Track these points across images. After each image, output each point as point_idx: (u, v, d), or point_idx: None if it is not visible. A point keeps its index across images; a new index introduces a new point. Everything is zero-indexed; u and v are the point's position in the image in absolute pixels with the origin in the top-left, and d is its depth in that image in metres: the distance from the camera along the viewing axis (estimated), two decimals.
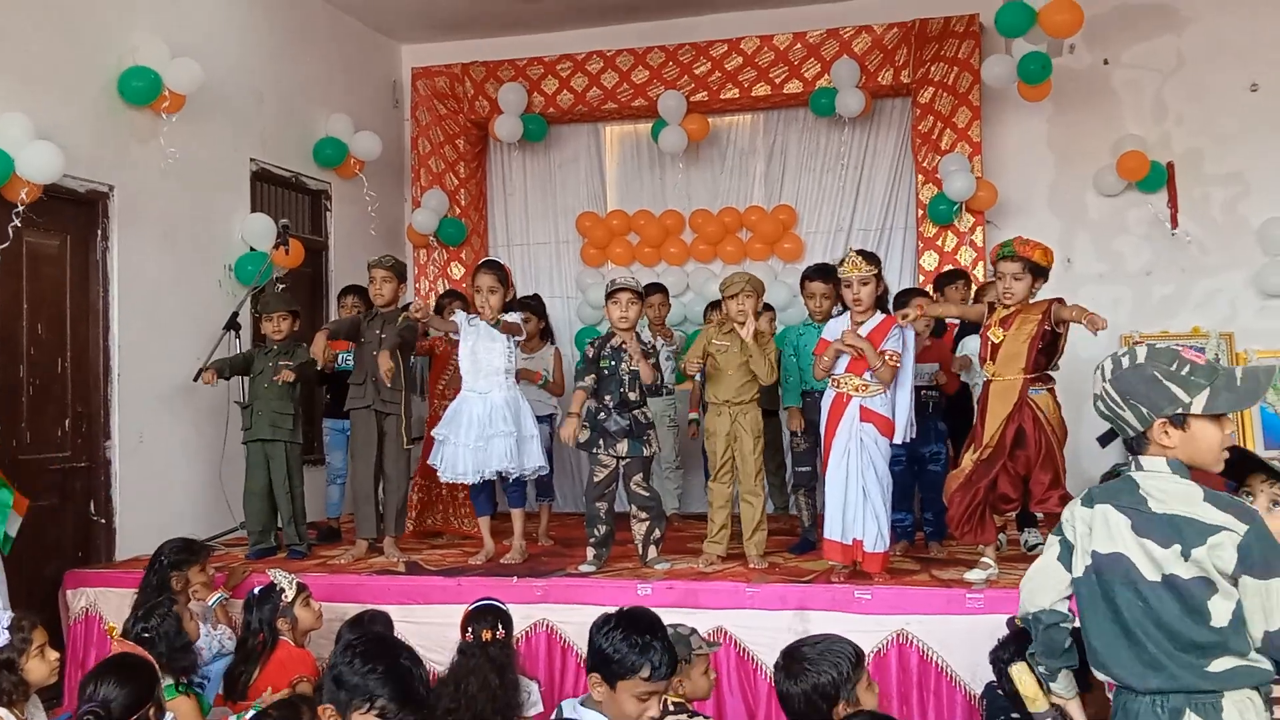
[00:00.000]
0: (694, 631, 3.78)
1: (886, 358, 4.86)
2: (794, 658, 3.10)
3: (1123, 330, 7.54)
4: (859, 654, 3.10)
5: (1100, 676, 2.61)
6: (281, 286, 6.72)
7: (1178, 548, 2.43)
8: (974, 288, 7.01)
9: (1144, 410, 2.50)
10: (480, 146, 8.74)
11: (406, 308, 5.78)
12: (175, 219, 6.39)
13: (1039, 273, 4.76)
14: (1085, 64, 7.74)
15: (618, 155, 8.65)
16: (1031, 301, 4.80)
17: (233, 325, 6.38)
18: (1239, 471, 2.91)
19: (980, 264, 7.56)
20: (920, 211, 7.72)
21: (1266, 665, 2.43)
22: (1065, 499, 4.68)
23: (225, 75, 6.78)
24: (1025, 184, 7.81)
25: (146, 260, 6.16)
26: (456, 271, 8.48)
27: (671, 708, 3.39)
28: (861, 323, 4.98)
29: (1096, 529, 2.57)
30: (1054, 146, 7.81)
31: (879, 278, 5.03)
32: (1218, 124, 7.49)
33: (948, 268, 7.42)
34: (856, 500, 4.82)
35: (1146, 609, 2.45)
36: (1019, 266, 4.75)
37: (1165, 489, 2.50)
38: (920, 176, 7.72)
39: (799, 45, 7.91)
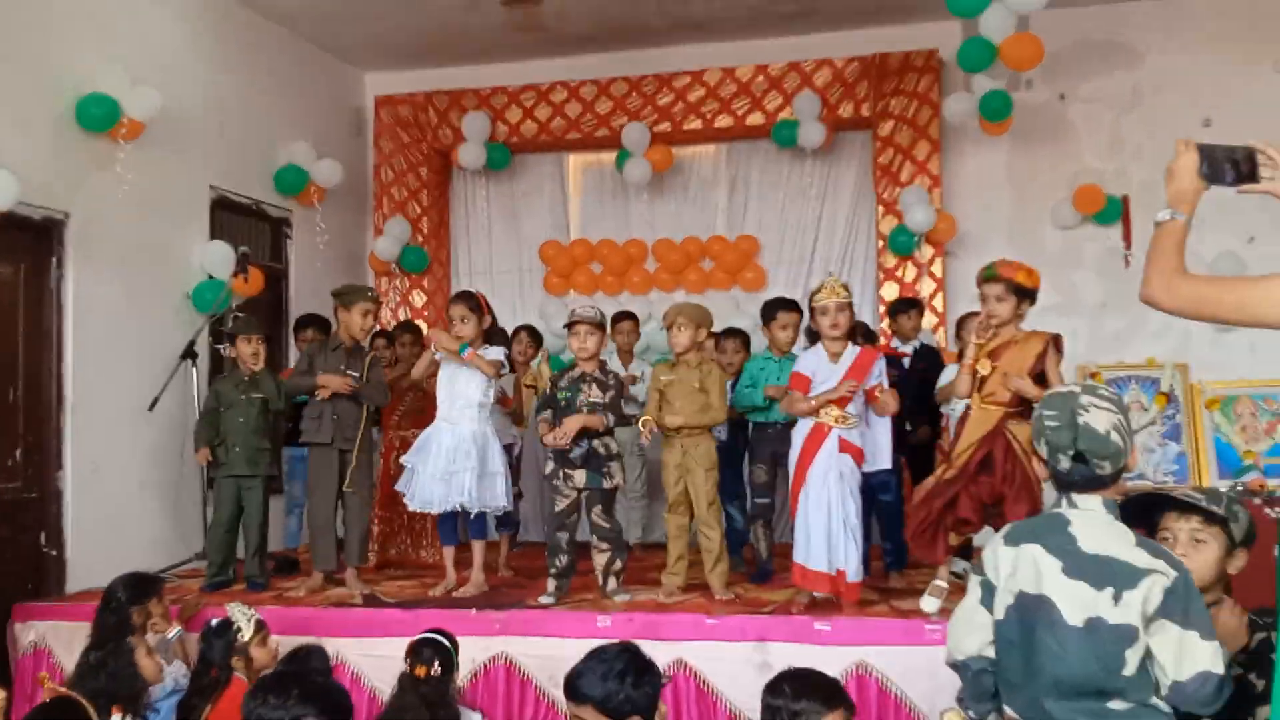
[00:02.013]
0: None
1: (879, 390, 4.92)
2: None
3: (1079, 360, 7.64)
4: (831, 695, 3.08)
5: (1006, 706, 2.58)
6: (238, 316, 6.66)
7: (1110, 590, 2.41)
8: (924, 315, 7.09)
9: (1128, 446, 2.53)
10: (443, 175, 8.74)
11: (373, 342, 5.76)
12: (132, 246, 6.32)
13: (1023, 294, 4.69)
14: (1043, 98, 7.87)
15: (581, 184, 8.68)
16: (1023, 330, 4.76)
17: (190, 354, 6.33)
18: (1149, 514, 2.90)
19: (940, 294, 7.64)
20: (881, 243, 7.78)
21: (1167, 710, 2.40)
22: None
23: (185, 102, 6.74)
24: (984, 216, 7.90)
25: (102, 287, 6.09)
26: (418, 300, 8.46)
27: None
28: (838, 352, 4.99)
29: (1022, 569, 2.51)
30: (1012, 179, 7.92)
31: (851, 308, 5.05)
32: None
33: (901, 297, 7.49)
34: (839, 530, 4.82)
35: (1059, 654, 2.41)
36: (1001, 288, 4.71)
37: (1098, 530, 2.50)
38: (881, 208, 7.79)
39: (761, 77, 7.98)
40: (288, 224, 7.89)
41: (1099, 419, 2.52)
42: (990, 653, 2.59)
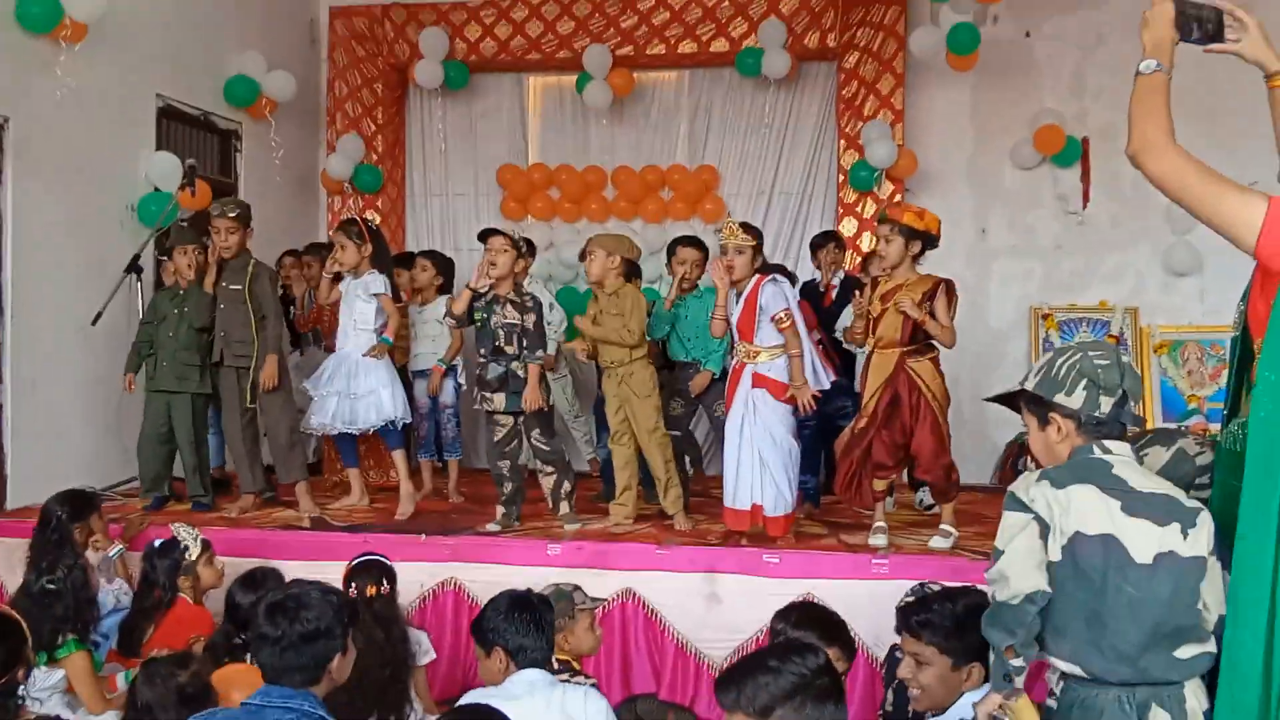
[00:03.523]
0: (577, 588, 3.77)
1: (777, 321, 4.83)
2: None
3: (1033, 302, 7.71)
4: None
5: (1061, 666, 2.49)
6: (180, 224, 6.49)
7: (1177, 525, 2.40)
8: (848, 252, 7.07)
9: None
10: (400, 92, 8.52)
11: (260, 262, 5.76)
12: (74, 154, 6.10)
13: (914, 236, 4.72)
14: (1009, 35, 7.80)
15: (541, 107, 8.49)
16: (918, 274, 4.79)
17: (134, 268, 6.15)
18: None
19: None
20: (841, 177, 7.72)
21: (1214, 649, 2.42)
22: (950, 468, 4.76)
23: (132, 4, 6.47)
24: (945, 154, 7.87)
25: (43, 196, 5.88)
26: (372, 220, 8.27)
27: (557, 666, 3.38)
28: (740, 292, 4.94)
29: (1075, 509, 2.42)
30: (975, 118, 7.89)
31: (757, 249, 4.96)
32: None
33: (868, 239, 7.48)
34: (752, 467, 4.83)
35: (1131, 595, 2.36)
36: (888, 228, 4.77)
37: (1136, 472, 2.50)
38: (842, 142, 7.71)
39: (726, 3, 7.82)
40: (238, 137, 7.66)
41: (1119, 360, 2.56)
42: (1049, 589, 2.44)
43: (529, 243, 6.97)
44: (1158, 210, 7.57)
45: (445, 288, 6.58)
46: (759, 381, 4.84)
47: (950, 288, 4.72)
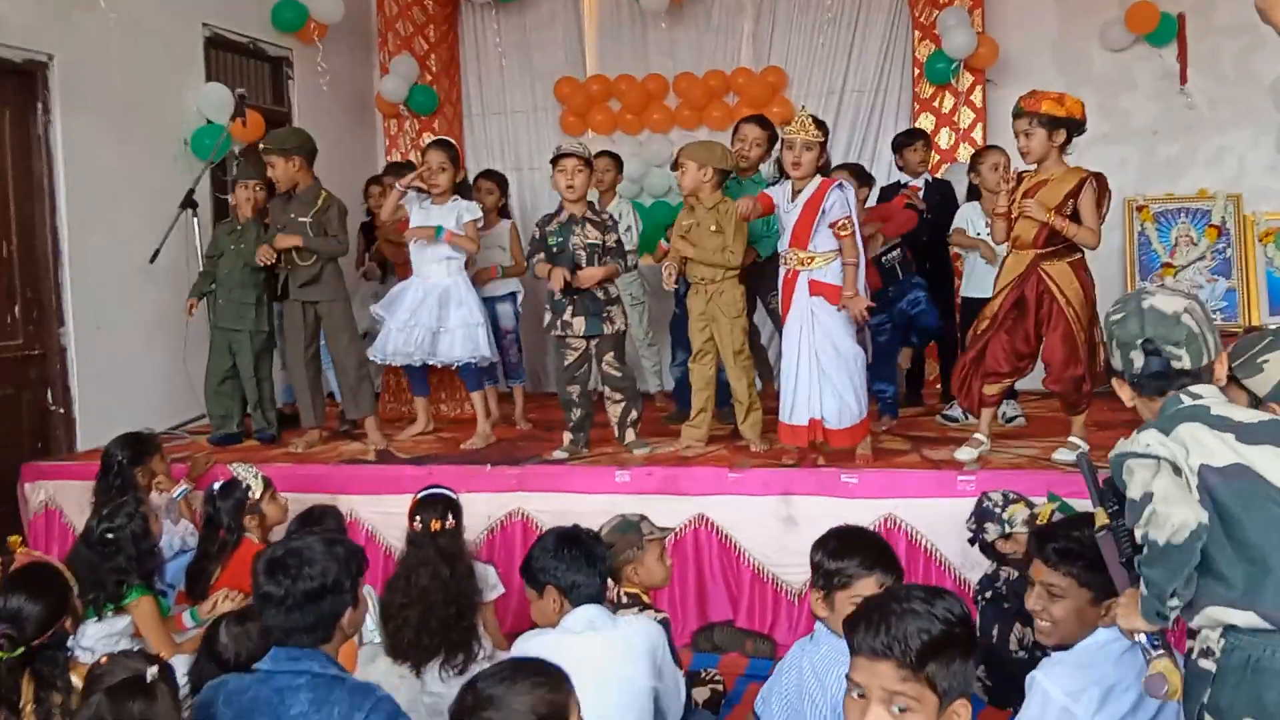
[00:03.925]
0: (643, 518, 3.59)
1: (839, 227, 4.52)
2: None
3: (1127, 194, 7.22)
4: None
5: (1230, 618, 2.12)
6: (240, 159, 6.36)
7: None
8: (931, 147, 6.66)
9: (1212, 344, 2.31)
10: (451, 8, 8.22)
11: (330, 194, 5.48)
12: (123, 90, 5.98)
13: (1056, 124, 4.33)
14: None
15: (597, 14, 8.13)
16: (1066, 166, 4.41)
17: (189, 203, 6.04)
18: None
19: (980, 125, 7.18)
20: (917, 70, 7.28)
21: None
22: (1080, 380, 4.42)
23: None
24: (1028, 40, 7.35)
25: (93, 134, 5.78)
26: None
27: (625, 599, 3.22)
28: (800, 190, 4.63)
29: (1194, 445, 2.17)
30: None
31: (823, 146, 4.64)
32: None
33: (947, 134, 7.07)
34: (811, 379, 4.56)
35: None
36: (1026, 121, 4.38)
37: (1235, 409, 2.25)
38: (917, 32, 7.26)
39: None
40: (288, 63, 7.48)
41: (1166, 302, 2.29)
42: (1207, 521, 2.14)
43: (615, 157, 6.76)
44: (1260, 88, 7.03)
45: (506, 210, 6.37)
46: (816, 289, 4.55)
47: (1101, 182, 4.34)
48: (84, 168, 5.72)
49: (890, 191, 6.18)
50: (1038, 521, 3.52)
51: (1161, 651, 2.23)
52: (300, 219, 5.35)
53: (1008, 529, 3.67)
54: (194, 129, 6.44)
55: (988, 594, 3.70)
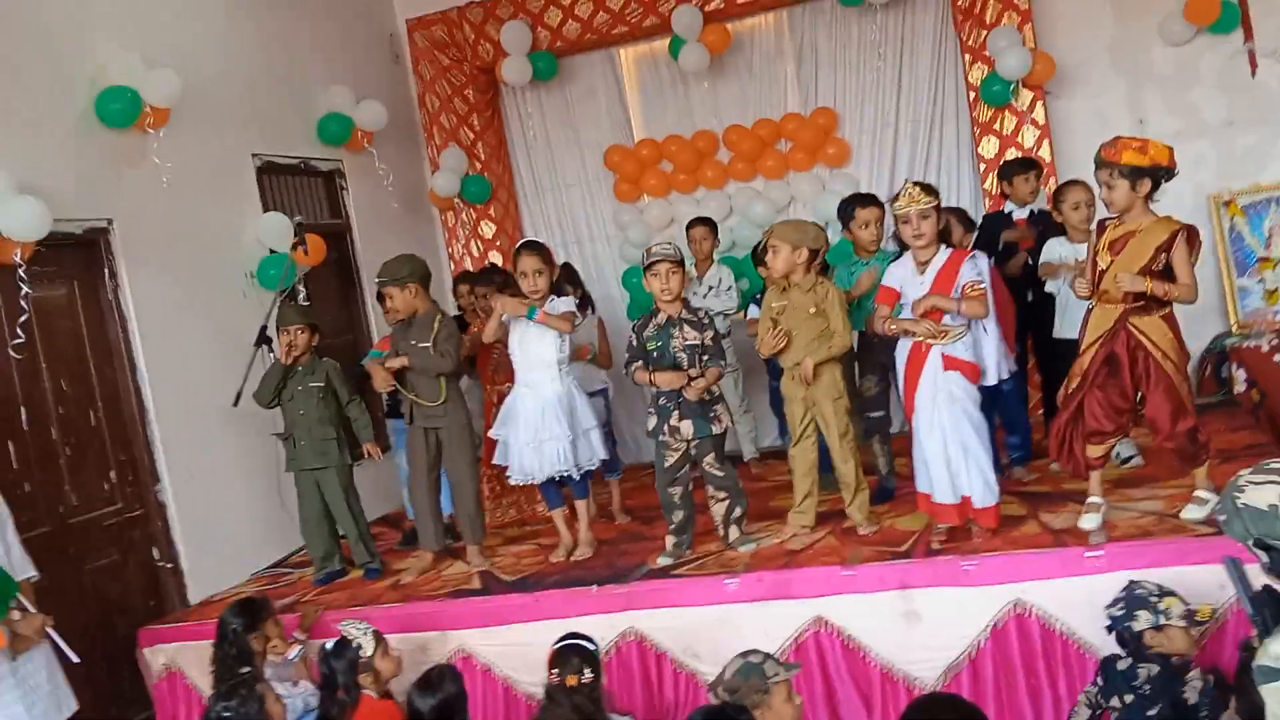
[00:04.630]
0: (768, 658, 3.46)
1: (967, 290, 4.40)
2: None
3: (1209, 190, 6.93)
4: None
5: None
6: (304, 293, 6.36)
7: None
8: (1043, 175, 6.44)
9: None
10: (491, 93, 8.22)
11: (445, 315, 5.40)
12: (184, 236, 6.02)
13: (1140, 174, 4.11)
14: None
15: (637, 79, 8.06)
16: (1152, 216, 4.20)
17: (264, 340, 6.03)
18: None
19: (1045, 142, 6.95)
20: (972, 95, 7.07)
21: None
22: (1194, 431, 4.21)
23: (210, 73, 6.34)
24: (1083, 46, 7.10)
25: (161, 288, 5.82)
26: (487, 230, 8.06)
27: None
28: (926, 260, 4.52)
29: None
30: None
31: (939, 210, 4.53)
32: None
33: (1012, 155, 6.83)
34: (957, 456, 4.43)
35: None
36: (1107, 173, 4.20)
37: None
38: (967, 56, 7.05)
39: None
40: (341, 175, 7.50)
41: (1259, 495, 2.15)
42: None
43: (710, 224, 6.76)
44: (1232, 160, 6.73)
45: (586, 302, 6.28)
46: (951, 364, 4.43)
47: (1192, 235, 4.13)
48: (157, 323, 5.77)
49: (995, 221, 5.99)
50: (1197, 618, 3.35)
51: None
52: (421, 344, 5.27)
53: (1163, 620, 3.49)
54: (258, 261, 6.48)
55: (1127, 697, 3.50)
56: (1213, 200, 6.90)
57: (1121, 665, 3.59)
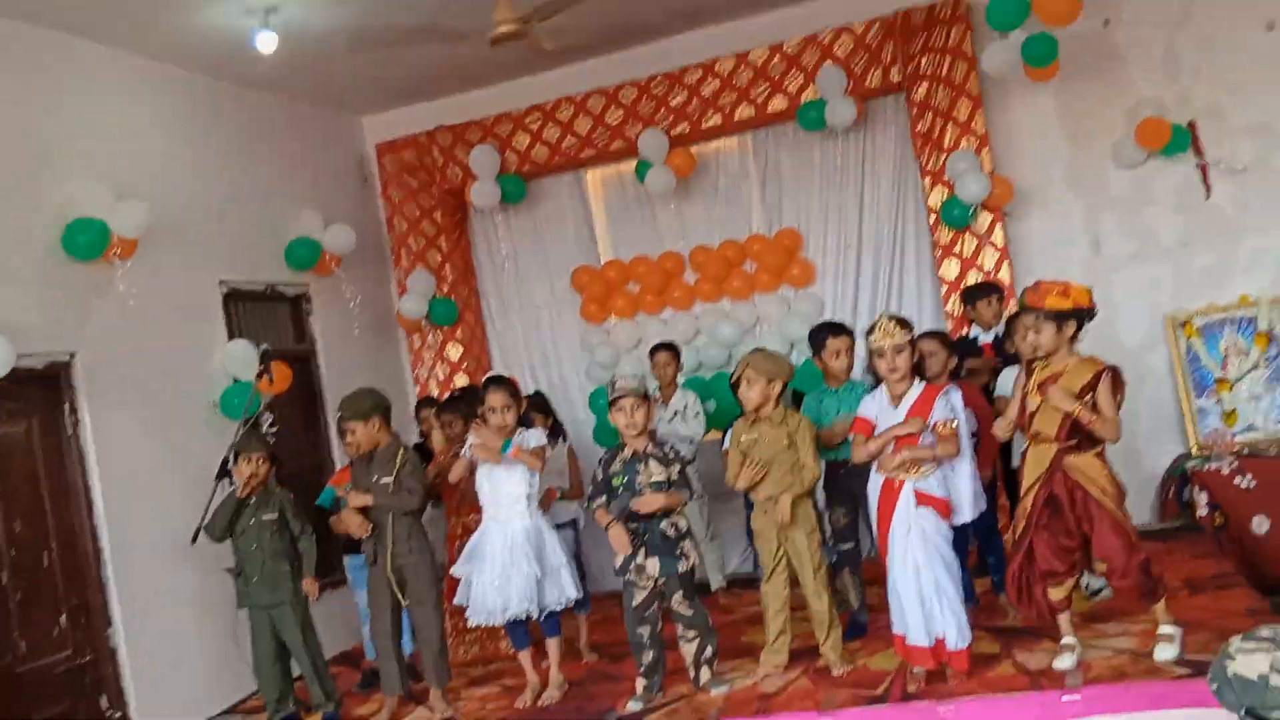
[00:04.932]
0: None
1: (939, 428, 4.41)
2: None
3: (1166, 310, 7.03)
4: None
5: None
6: (270, 419, 6.29)
7: None
8: (1005, 298, 6.54)
9: None
10: (459, 215, 8.28)
11: (407, 448, 5.32)
12: (147, 366, 5.97)
13: (1064, 317, 4.29)
14: (1085, 27, 7.09)
15: (604, 201, 8.15)
16: (1076, 355, 4.32)
17: (224, 473, 5.91)
18: None
19: (1005, 264, 7.05)
20: (932, 217, 7.18)
21: None
22: (1147, 565, 4.24)
23: (178, 201, 6.38)
24: (1040, 169, 7.24)
25: (122, 419, 5.75)
26: (454, 352, 8.04)
27: None
28: (901, 394, 4.53)
29: None
30: (1065, 124, 7.24)
31: (914, 343, 4.56)
32: (1236, 72, 6.89)
33: (973, 277, 6.93)
34: (931, 596, 4.39)
35: None
36: (1032, 317, 4.40)
37: None
38: (927, 180, 7.17)
39: (777, 58, 7.38)
40: (306, 299, 7.49)
41: (1249, 664, 2.13)
42: None
43: (673, 349, 6.82)
44: (1155, 203, 6.92)
45: (558, 429, 6.23)
46: (923, 500, 4.41)
47: (1116, 375, 4.27)
48: (117, 457, 5.67)
49: (961, 346, 6.02)
50: None
51: None
52: (384, 479, 5.18)
53: None
54: (222, 390, 6.41)
55: None
56: (1169, 321, 7.00)
57: None
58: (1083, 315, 4.30)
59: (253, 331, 6.84)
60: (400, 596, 5.22)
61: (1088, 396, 4.20)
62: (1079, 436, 4.25)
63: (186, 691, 5.72)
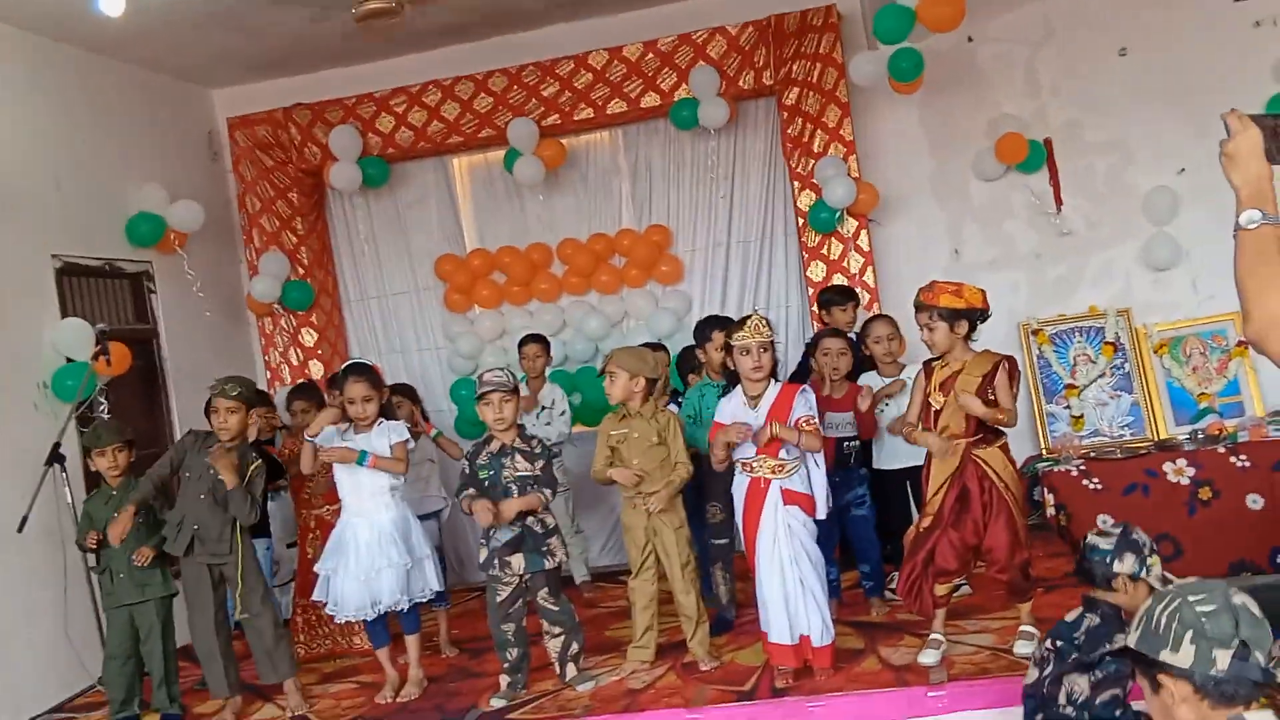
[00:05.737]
0: None
1: (802, 425, 4.40)
2: None
3: (1019, 318, 7.27)
4: None
5: None
6: (105, 405, 5.88)
7: None
8: (862, 304, 6.63)
9: None
10: (317, 197, 7.93)
11: (257, 457, 5.00)
12: None
13: (957, 316, 4.35)
14: (950, 43, 7.30)
15: (470, 189, 7.94)
16: (973, 352, 4.39)
17: (56, 458, 5.53)
18: None
19: (870, 269, 7.16)
20: (800, 220, 7.24)
21: None
22: (1027, 565, 4.33)
23: (8, 169, 5.89)
24: (905, 177, 7.39)
25: None
26: (309, 338, 7.70)
27: None
28: (758, 395, 4.49)
29: None
30: (930, 135, 7.42)
31: (774, 344, 4.54)
32: (1093, 93, 7.18)
33: (838, 280, 7.01)
34: (796, 594, 4.36)
35: None
36: (926, 315, 4.43)
37: None
38: (796, 183, 7.23)
39: (651, 55, 7.32)
40: (149, 277, 7.04)
41: (1254, 605, 2.07)
42: None
43: (543, 341, 6.64)
44: (1135, 202, 7.19)
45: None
46: (790, 498, 4.38)
47: (1012, 365, 4.36)
48: None
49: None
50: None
51: None
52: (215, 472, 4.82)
53: (1143, 574, 3.35)
54: (53, 371, 5.96)
55: (1058, 642, 3.37)
56: (1023, 328, 7.23)
57: (1067, 618, 3.45)
58: (975, 315, 4.37)
59: (88, 308, 6.40)
60: (222, 592, 4.93)
61: (989, 387, 4.26)
62: (985, 429, 4.33)
63: (13, 684, 5.30)
